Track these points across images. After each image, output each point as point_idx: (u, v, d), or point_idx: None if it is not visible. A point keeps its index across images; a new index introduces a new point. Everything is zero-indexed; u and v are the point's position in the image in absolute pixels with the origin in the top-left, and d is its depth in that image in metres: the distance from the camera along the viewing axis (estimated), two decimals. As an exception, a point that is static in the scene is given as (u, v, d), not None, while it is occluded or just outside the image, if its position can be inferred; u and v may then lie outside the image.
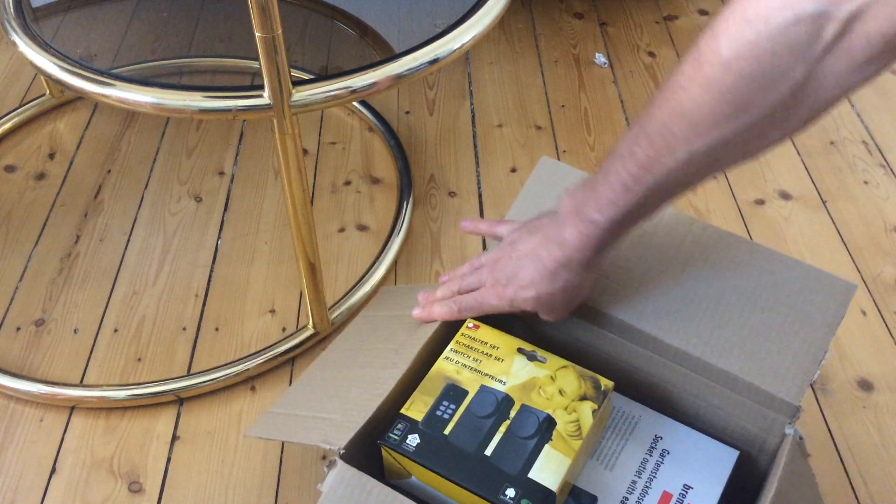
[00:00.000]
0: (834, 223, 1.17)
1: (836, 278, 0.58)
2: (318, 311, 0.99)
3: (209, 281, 1.10)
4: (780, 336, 0.62)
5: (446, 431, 0.63)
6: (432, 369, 0.67)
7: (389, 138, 1.30)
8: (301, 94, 0.79)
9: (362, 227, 1.17)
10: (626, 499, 0.64)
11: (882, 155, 1.28)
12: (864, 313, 1.05)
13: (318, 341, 1.02)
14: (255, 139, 1.32)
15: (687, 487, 0.64)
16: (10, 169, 1.27)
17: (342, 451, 0.61)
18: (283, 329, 1.04)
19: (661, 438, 0.68)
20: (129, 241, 1.16)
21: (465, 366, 0.67)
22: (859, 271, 1.10)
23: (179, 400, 0.96)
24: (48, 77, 0.85)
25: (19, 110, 1.35)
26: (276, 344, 1.00)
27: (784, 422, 0.63)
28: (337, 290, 1.07)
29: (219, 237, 1.16)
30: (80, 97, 1.35)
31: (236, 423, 0.94)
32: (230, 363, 0.98)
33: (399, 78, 0.83)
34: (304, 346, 1.00)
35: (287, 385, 0.98)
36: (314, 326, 1.01)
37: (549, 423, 0.63)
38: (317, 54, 1.44)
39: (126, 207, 1.20)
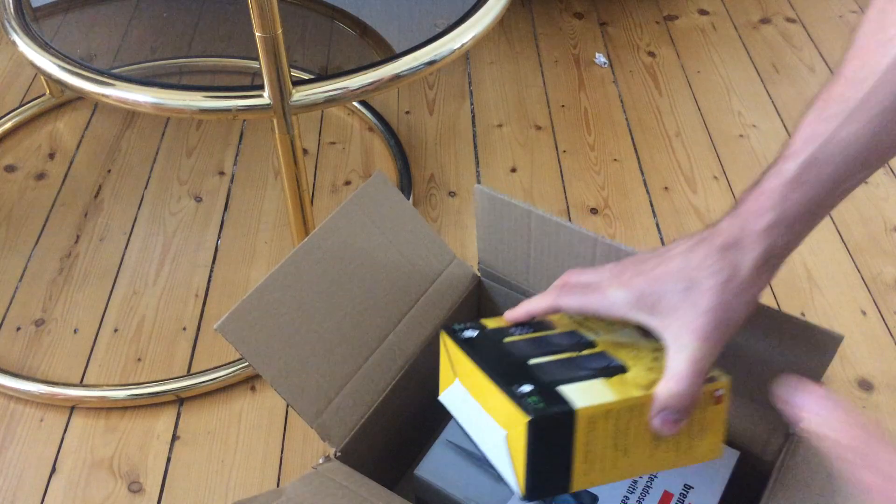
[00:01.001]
0: (834, 223, 1.17)
1: (825, 329, 0.59)
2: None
3: (209, 281, 1.10)
4: (776, 367, 0.62)
5: (506, 340, 0.57)
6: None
7: (389, 138, 1.30)
8: (301, 94, 0.79)
9: (362, 227, 1.17)
10: (627, 498, 0.64)
11: (882, 155, 1.28)
12: (864, 313, 1.05)
13: (318, 341, 1.02)
14: (255, 139, 1.32)
15: (688, 487, 0.64)
16: (10, 169, 1.27)
17: (338, 454, 0.61)
18: (283, 329, 1.04)
19: None
20: (129, 241, 1.16)
21: (570, 317, 0.60)
22: (859, 271, 1.10)
23: (179, 400, 0.96)
24: (48, 77, 0.85)
25: (19, 110, 1.35)
26: (276, 344, 1.00)
27: (787, 422, 0.63)
28: (337, 290, 1.07)
29: (219, 237, 1.16)
30: (80, 97, 1.35)
31: (236, 423, 0.94)
32: (230, 363, 0.98)
33: (399, 78, 0.83)
34: (304, 346, 1.00)
35: (287, 385, 0.98)
36: (314, 326, 1.01)
37: (619, 370, 0.53)
38: (317, 54, 1.44)
39: (126, 207, 1.20)
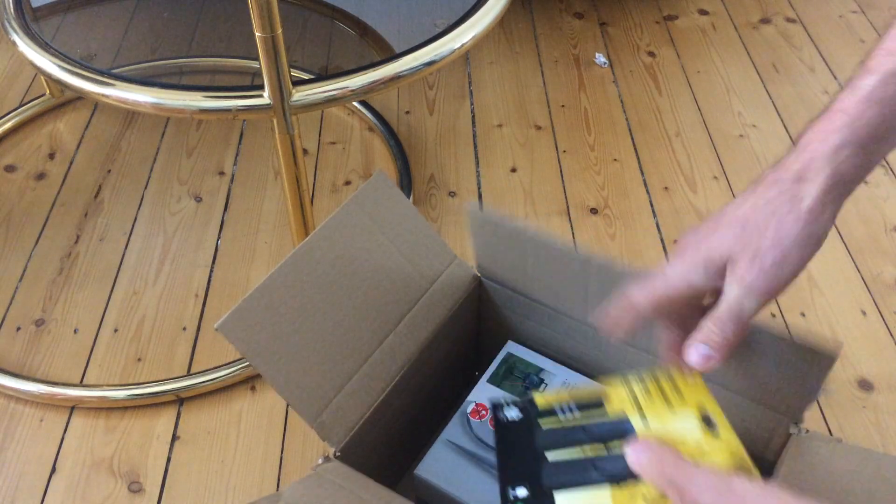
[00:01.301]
0: (834, 223, 1.17)
1: (820, 347, 0.59)
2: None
3: (209, 281, 1.10)
4: (773, 379, 0.62)
5: (543, 424, 0.56)
6: (610, 386, 0.58)
7: (389, 138, 1.30)
8: (301, 94, 0.79)
9: (362, 227, 1.17)
10: None
11: (882, 155, 1.28)
12: (864, 313, 1.05)
13: (318, 341, 1.02)
14: (255, 139, 1.32)
15: None
16: (10, 169, 1.27)
17: (338, 454, 0.61)
18: (283, 329, 1.04)
19: None
20: (129, 241, 1.15)
21: (633, 395, 0.57)
22: (859, 271, 1.10)
23: (179, 400, 0.96)
24: (48, 77, 0.85)
25: (19, 110, 1.34)
26: (276, 344, 1.00)
27: (788, 422, 0.63)
28: (337, 290, 1.07)
29: (219, 237, 1.16)
30: (80, 97, 1.35)
31: (236, 423, 0.94)
32: (230, 363, 0.98)
33: (399, 78, 0.83)
34: (304, 346, 1.00)
35: (287, 385, 0.98)
36: (314, 326, 1.01)
37: (635, 476, 0.49)
38: (317, 54, 1.44)
39: (126, 207, 1.20)
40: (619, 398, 0.56)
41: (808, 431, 0.62)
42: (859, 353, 1.00)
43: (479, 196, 1.21)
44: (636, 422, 0.54)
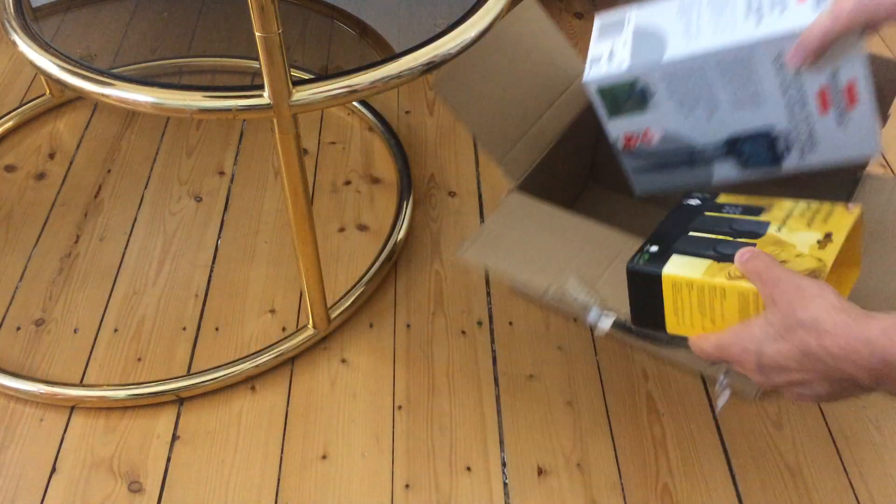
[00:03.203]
0: None
1: None
2: (318, 311, 0.99)
3: (209, 281, 1.10)
4: None
5: (707, 213, 0.68)
6: (777, 201, 0.69)
7: (389, 138, 1.30)
8: (301, 94, 0.79)
9: (362, 227, 1.17)
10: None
11: (882, 155, 1.28)
12: (864, 313, 1.04)
13: (318, 341, 1.02)
14: (255, 139, 1.32)
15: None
16: (10, 169, 1.27)
17: (517, 188, 0.84)
18: (283, 329, 1.04)
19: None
20: (129, 241, 1.16)
21: (790, 212, 0.67)
22: (859, 271, 1.10)
23: (179, 400, 0.96)
24: (48, 77, 0.85)
25: (19, 110, 1.35)
26: (276, 344, 1.00)
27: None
28: (337, 290, 1.07)
29: (219, 237, 1.16)
30: (80, 97, 1.35)
31: (236, 423, 0.94)
32: (230, 363, 0.98)
33: (399, 78, 0.83)
34: (303, 346, 1.00)
35: (287, 385, 0.98)
36: (314, 326, 1.01)
37: (729, 258, 0.60)
38: (317, 54, 1.44)
39: (126, 207, 1.21)
40: (779, 210, 0.67)
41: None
42: (859, 352, 1.00)
43: (479, 196, 1.22)
44: (772, 228, 0.65)
